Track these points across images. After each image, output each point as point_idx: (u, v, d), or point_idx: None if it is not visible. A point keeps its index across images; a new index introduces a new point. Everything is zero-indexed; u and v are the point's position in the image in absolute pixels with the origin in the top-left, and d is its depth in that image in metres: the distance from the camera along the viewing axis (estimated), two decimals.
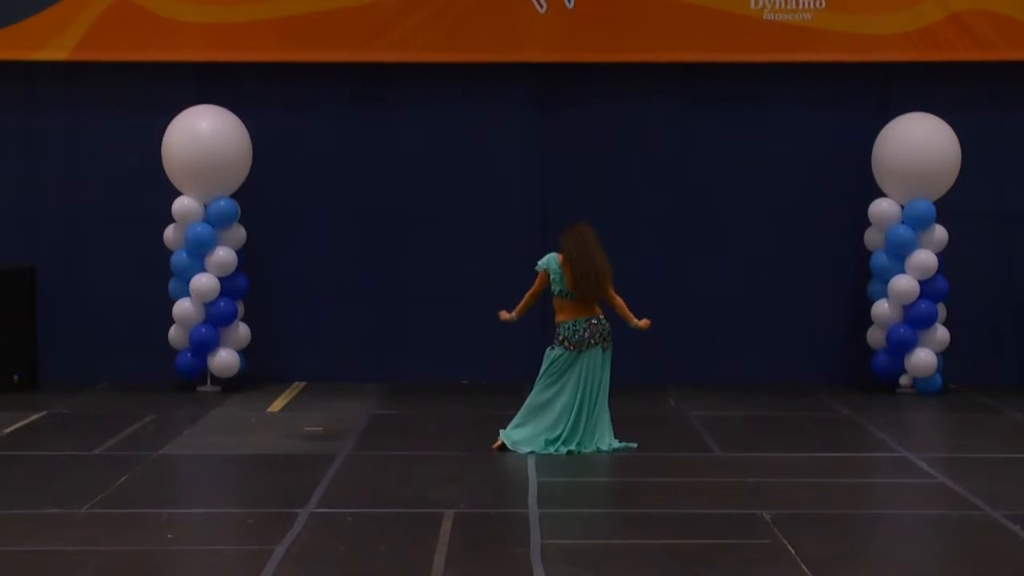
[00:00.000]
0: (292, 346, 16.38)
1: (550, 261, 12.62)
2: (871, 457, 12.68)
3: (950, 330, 15.65)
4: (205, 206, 15.49)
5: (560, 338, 12.62)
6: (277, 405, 14.98)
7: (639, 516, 10.37)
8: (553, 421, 12.58)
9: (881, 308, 15.65)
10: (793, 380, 16.24)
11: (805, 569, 8.96)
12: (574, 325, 12.56)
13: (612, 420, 12.72)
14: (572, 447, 12.49)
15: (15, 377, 15.64)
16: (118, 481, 11.34)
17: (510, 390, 14.66)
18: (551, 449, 12.46)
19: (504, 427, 12.75)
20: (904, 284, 15.44)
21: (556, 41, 15.96)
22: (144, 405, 14.72)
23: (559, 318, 12.65)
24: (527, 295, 12.77)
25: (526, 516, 10.28)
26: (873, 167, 15.83)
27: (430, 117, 16.40)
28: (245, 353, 15.75)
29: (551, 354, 12.66)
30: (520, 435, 12.60)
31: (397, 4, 15.96)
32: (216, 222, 15.47)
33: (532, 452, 12.42)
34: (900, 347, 15.54)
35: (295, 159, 16.37)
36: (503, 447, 12.57)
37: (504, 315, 12.85)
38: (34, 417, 14.16)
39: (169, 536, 9.79)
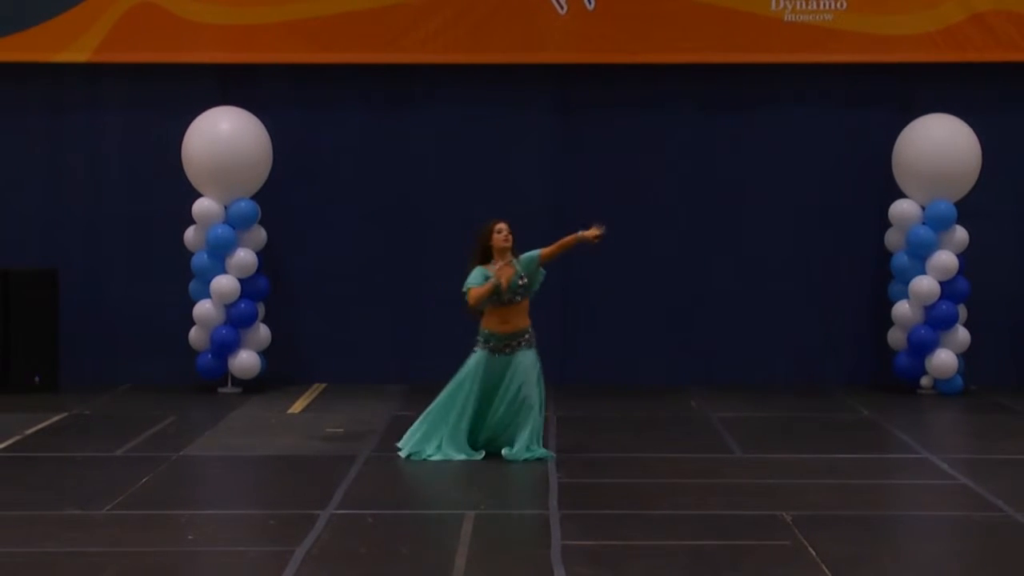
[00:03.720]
0: (313, 347, 16.40)
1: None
2: (892, 458, 12.66)
3: (971, 331, 15.62)
4: (225, 208, 15.51)
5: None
6: (298, 406, 14.99)
7: (660, 517, 10.36)
8: None
9: (902, 309, 15.61)
10: (814, 381, 16.22)
11: (826, 570, 8.95)
12: None
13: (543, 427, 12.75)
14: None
15: (37, 378, 15.68)
16: (139, 482, 11.35)
17: None
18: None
19: None
20: (925, 285, 15.40)
21: (577, 43, 15.95)
22: (165, 406, 14.74)
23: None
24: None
25: (547, 517, 10.28)
26: (894, 168, 15.80)
27: (450, 118, 16.40)
28: (266, 354, 15.77)
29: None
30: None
31: (418, 6, 15.97)
32: (236, 223, 15.49)
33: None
34: (921, 348, 15.51)
35: (315, 160, 16.38)
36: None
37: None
38: (56, 418, 14.18)
39: (190, 537, 9.81)
